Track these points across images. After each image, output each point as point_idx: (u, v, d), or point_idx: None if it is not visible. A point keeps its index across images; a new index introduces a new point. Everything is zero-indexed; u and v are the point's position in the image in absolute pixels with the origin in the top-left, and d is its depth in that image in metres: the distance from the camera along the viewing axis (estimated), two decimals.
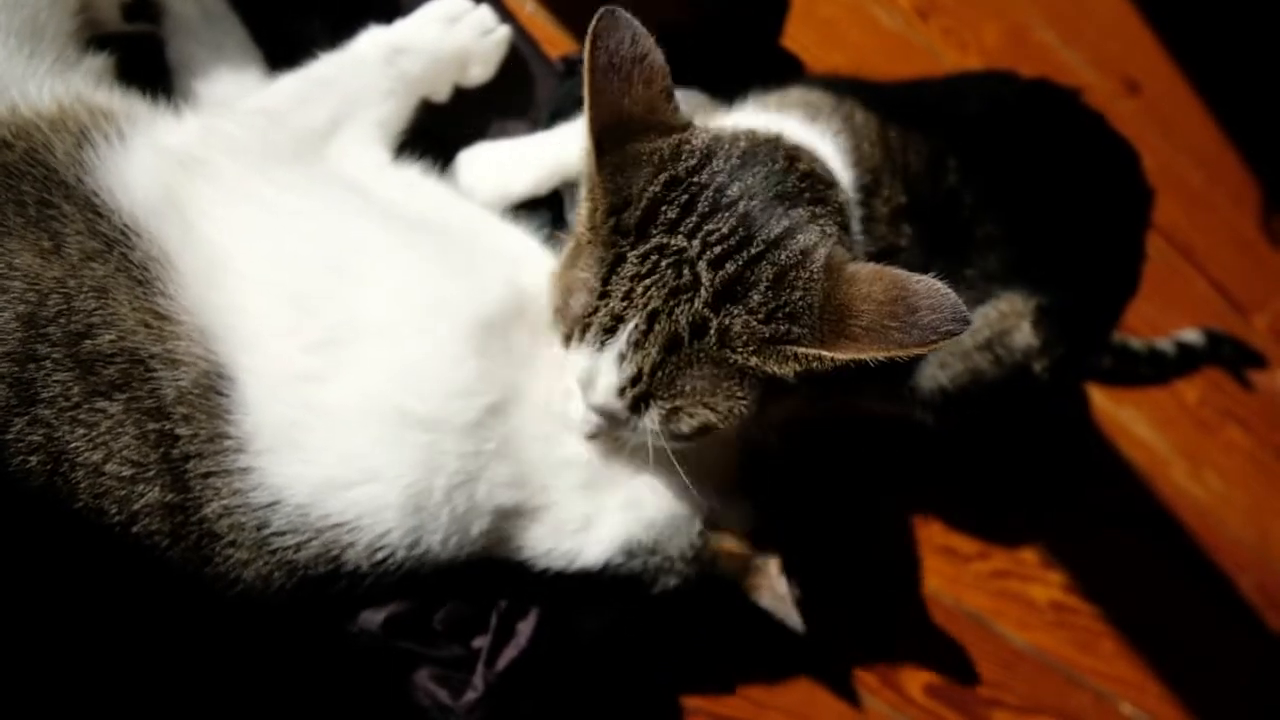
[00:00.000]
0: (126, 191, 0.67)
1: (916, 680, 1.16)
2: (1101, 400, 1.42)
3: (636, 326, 0.61)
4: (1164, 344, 1.44)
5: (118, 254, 0.65)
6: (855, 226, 0.74)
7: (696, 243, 0.62)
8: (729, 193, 0.63)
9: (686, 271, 0.61)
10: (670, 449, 0.66)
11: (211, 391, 0.64)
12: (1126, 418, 1.44)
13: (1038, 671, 1.25)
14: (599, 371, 0.63)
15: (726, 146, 0.66)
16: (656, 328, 0.61)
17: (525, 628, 0.76)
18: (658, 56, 0.63)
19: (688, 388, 0.62)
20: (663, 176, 0.63)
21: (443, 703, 0.76)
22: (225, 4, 0.88)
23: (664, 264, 0.61)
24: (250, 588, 0.67)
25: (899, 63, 1.37)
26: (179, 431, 0.63)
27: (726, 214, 0.62)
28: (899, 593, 1.19)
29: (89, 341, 0.62)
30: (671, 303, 0.61)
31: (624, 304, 0.61)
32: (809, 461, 1.10)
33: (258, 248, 0.69)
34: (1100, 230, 0.99)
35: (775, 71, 1.11)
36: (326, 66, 0.81)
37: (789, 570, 0.82)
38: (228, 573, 0.66)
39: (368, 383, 0.67)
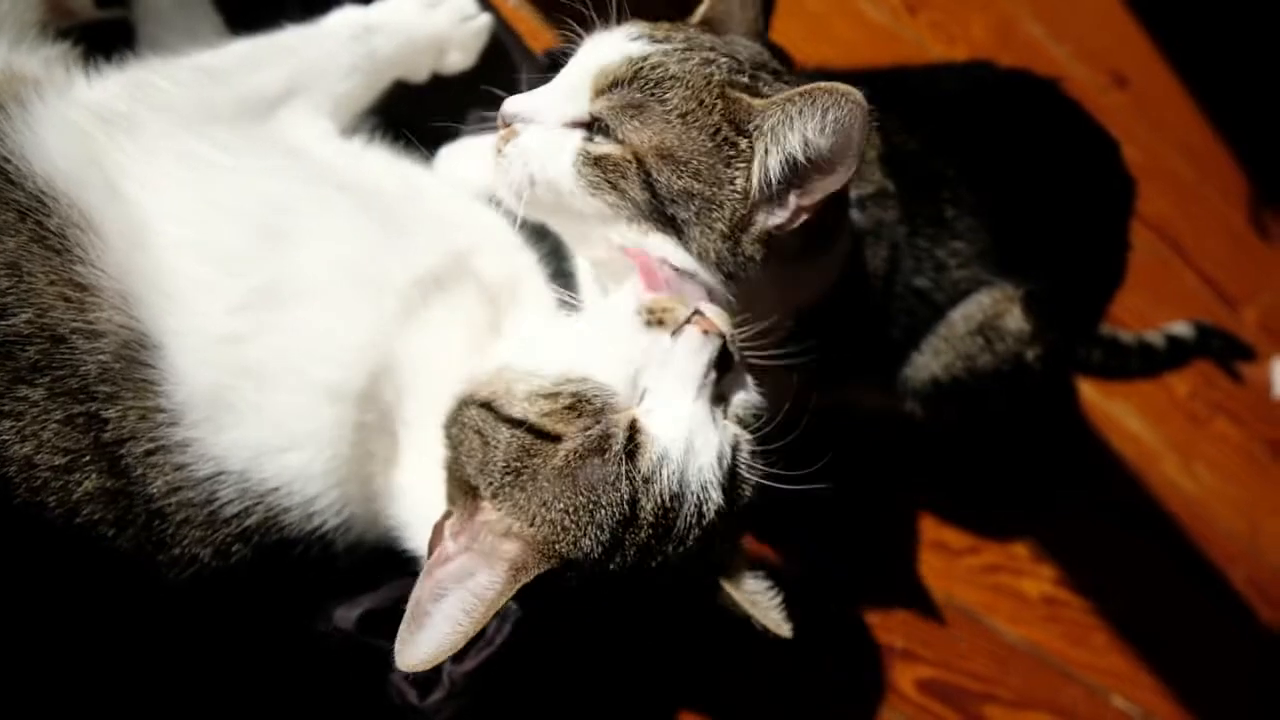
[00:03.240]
0: (43, 155, 0.64)
1: (909, 675, 1.15)
2: (1091, 394, 1.42)
3: (676, 46, 0.69)
4: (1154, 337, 1.44)
5: (31, 223, 0.62)
6: None
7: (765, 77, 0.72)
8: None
9: (739, 67, 0.71)
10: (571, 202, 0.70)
11: (136, 364, 0.62)
12: (1117, 411, 1.44)
13: (1030, 666, 1.25)
14: (612, 43, 0.70)
15: None
16: (695, 51, 0.69)
17: (495, 626, 0.75)
18: (759, 12, 0.77)
19: (661, 96, 0.67)
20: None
21: (410, 702, 0.74)
22: None
23: (722, 55, 0.70)
24: (209, 566, 0.65)
25: (887, 56, 1.37)
26: (105, 414, 0.61)
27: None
28: (891, 587, 1.18)
29: (3, 323, 0.60)
30: (717, 58, 0.70)
31: (685, 35, 0.71)
32: (802, 456, 1.09)
33: (183, 206, 0.66)
34: (1080, 216, 1.00)
35: None
36: (290, 35, 0.80)
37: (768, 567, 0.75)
38: (184, 554, 0.65)
39: (288, 345, 0.66)
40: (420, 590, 0.60)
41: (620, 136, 0.67)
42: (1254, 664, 1.46)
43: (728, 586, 0.67)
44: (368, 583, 0.75)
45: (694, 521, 0.64)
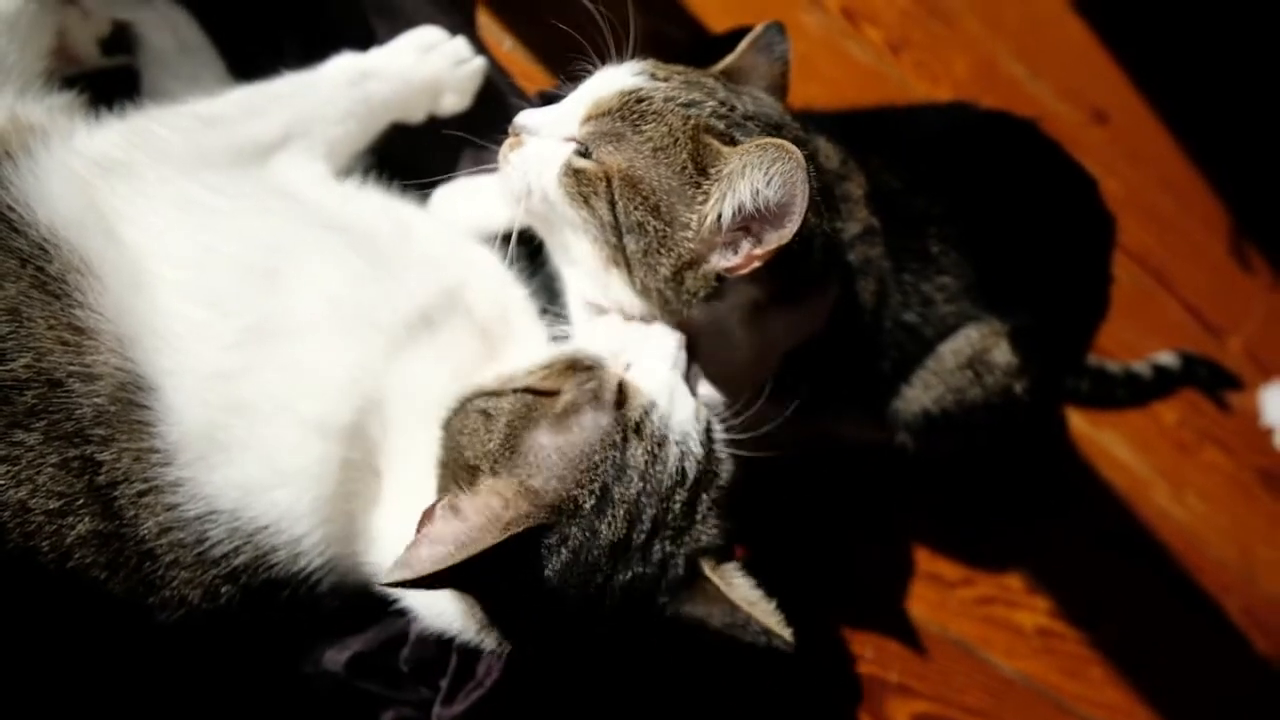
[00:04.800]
0: (46, 203, 0.66)
1: (905, 710, 1.14)
2: (1080, 424, 1.43)
3: (672, 85, 0.74)
4: (1140, 367, 1.45)
5: (31, 270, 0.63)
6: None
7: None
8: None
9: (726, 114, 0.74)
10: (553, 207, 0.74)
11: (131, 405, 0.63)
12: (1106, 441, 1.45)
13: (1026, 699, 1.24)
14: (614, 76, 0.75)
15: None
16: (687, 91, 0.73)
17: (486, 667, 0.74)
18: (789, 63, 0.83)
19: (639, 127, 0.71)
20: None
21: None
22: (203, 37, 0.88)
23: (715, 101, 0.74)
24: (199, 608, 0.65)
25: (871, 95, 1.40)
26: (100, 457, 0.62)
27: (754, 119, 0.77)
28: (885, 620, 1.18)
29: (1, 368, 0.61)
30: (705, 102, 0.73)
31: (688, 77, 0.75)
32: (795, 490, 1.10)
33: (179, 249, 0.68)
34: (1061, 252, 1.01)
35: None
36: (286, 83, 0.81)
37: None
38: (174, 596, 0.65)
39: (280, 382, 0.67)
40: (410, 550, 0.60)
41: (597, 158, 0.72)
42: (1252, 695, 1.46)
43: (720, 584, 0.68)
44: (357, 624, 0.74)
45: (678, 478, 0.67)
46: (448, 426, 0.69)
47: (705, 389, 0.75)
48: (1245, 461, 1.62)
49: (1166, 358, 1.48)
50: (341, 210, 0.77)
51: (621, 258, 0.73)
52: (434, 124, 0.93)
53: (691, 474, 0.68)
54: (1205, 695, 1.39)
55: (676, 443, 0.68)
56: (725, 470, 0.71)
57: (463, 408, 0.70)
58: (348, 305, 0.70)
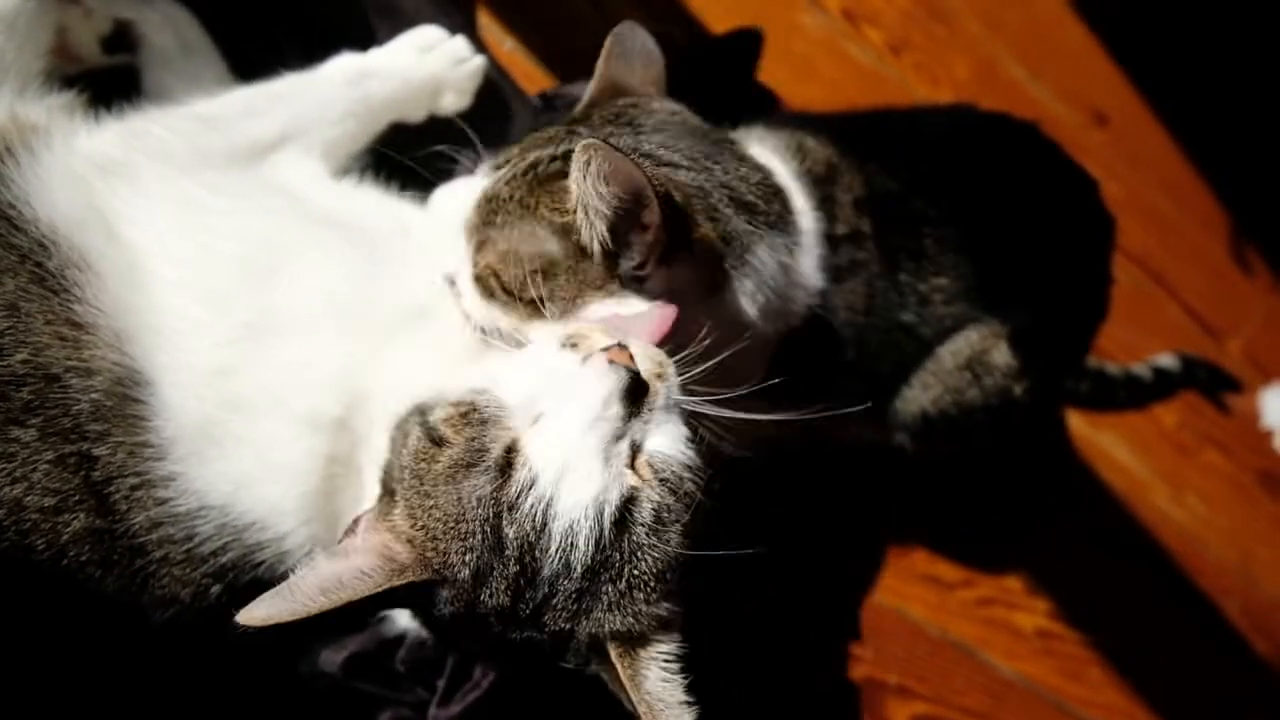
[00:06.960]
0: (46, 201, 0.66)
1: (904, 712, 1.14)
2: (1080, 425, 1.43)
3: (510, 164, 0.74)
4: (1140, 369, 1.45)
5: (31, 265, 0.63)
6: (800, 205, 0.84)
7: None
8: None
9: (558, 153, 0.74)
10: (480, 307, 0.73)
11: (128, 400, 0.63)
12: (1106, 442, 1.45)
13: (1025, 700, 1.24)
14: (470, 189, 0.76)
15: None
16: (523, 155, 0.74)
17: (482, 669, 0.74)
18: (658, 53, 0.80)
19: (495, 222, 0.72)
20: (620, 102, 0.80)
21: None
22: (205, 37, 0.89)
23: (550, 148, 0.75)
24: (189, 607, 0.66)
25: (872, 97, 1.40)
26: (96, 452, 0.62)
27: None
28: (884, 622, 1.17)
29: None
30: (540, 159, 0.74)
31: (523, 144, 0.78)
32: (793, 491, 1.10)
33: (177, 247, 0.68)
34: (1061, 253, 1.02)
35: (751, 106, 1.14)
36: (286, 83, 0.82)
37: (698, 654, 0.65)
38: (166, 594, 0.65)
39: (274, 377, 0.67)
40: (305, 572, 0.58)
41: (482, 265, 0.72)
42: (1251, 696, 1.46)
43: (625, 674, 0.61)
44: (354, 624, 0.74)
45: (559, 568, 0.60)
46: (390, 434, 0.67)
47: (670, 441, 0.63)
48: (1245, 463, 1.62)
49: (1166, 360, 1.48)
50: (340, 209, 0.77)
51: (537, 308, 0.71)
52: (434, 124, 0.93)
53: (578, 568, 0.60)
54: (1205, 696, 1.39)
55: (560, 533, 0.59)
56: (651, 558, 0.61)
57: (403, 420, 0.67)
58: (345, 302, 0.71)
